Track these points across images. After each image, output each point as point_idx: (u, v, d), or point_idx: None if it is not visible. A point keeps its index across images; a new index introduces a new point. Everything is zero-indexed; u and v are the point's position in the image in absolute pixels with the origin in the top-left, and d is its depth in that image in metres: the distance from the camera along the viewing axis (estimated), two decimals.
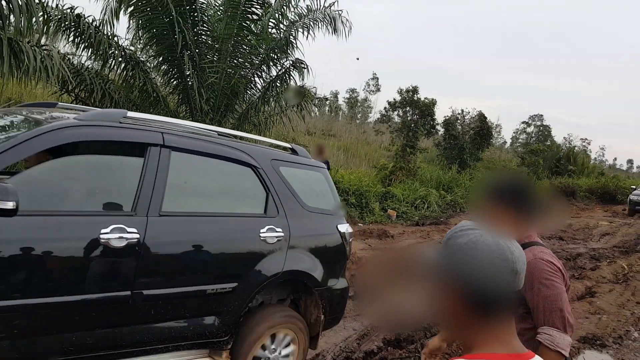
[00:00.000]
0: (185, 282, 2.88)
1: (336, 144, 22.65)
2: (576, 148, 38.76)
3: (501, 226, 1.82)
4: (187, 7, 8.06)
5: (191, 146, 3.03)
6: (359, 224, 10.69)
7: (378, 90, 40.09)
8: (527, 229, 1.93)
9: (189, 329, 2.91)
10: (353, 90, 41.85)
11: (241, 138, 3.87)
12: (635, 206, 19.99)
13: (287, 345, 3.43)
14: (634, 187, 22.97)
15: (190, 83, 8.54)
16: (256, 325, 3.19)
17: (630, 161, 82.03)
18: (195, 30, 8.45)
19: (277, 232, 3.30)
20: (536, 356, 1.01)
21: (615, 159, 77.93)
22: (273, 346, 3.33)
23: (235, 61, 9.21)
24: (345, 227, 3.91)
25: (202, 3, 8.72)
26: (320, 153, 9.08)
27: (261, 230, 3.22)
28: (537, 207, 1.96)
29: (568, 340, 1.74)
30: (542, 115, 35.94)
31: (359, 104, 41.98)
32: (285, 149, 4.04)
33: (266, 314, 3.31)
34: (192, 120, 8.84)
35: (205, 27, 8.75)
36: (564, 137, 40.80)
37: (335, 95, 47.79)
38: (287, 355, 3.44)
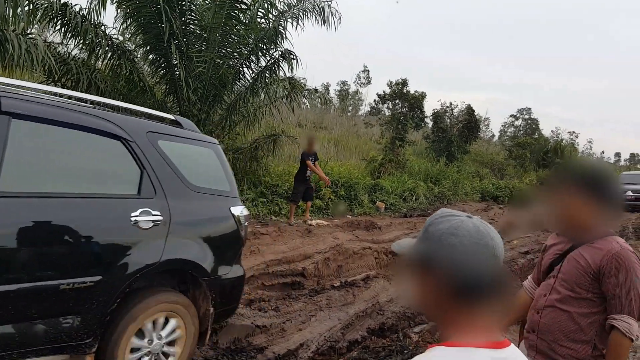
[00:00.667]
0: (30, 277, 2.39)
1: (327, 136, 22.64)
2: (564, 141, 39.11)
3: (581, 217, 1.88)
4: None
5: (41, 113, 2.52)
6: (348, 215, 10.73)
7: (369, 83, 40.18)
8: (608, 221, 1.97)
9: (40, 333, 2.44)
10: (344, 83, 41.92)
11: (105, 105, 3.41)
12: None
13: (172, 331, 3.06)
14: None
15: (177, 73, 8.48)
16: (128, 314, 2.78)
17: (617, 154, 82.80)
18: (183, 19, 8.37)
19: (153, 215, 2.88)
20: (512, 345, 1.03)
21: (603, 152, 78.52)
22: (154, 334, 2.95)
23: (223, 51, 9.16)
24: (239, 210, 3.56)
25: None
26: (310, 144, 9.15)
27: (132, 214, 2.79)
28: (618, 197, 1.97)
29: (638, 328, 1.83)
30: (530, 109, 36.27)
31: (350, 97, 42.01)
32: (167, 120, 3.63)
33: (141, 297, 2.90)
34: (180, 111, 8.84)
35: (193, 15, 8.68)
36: (552, 131, 41.19)
37: (327, 87, 47.72)
38: (171, 343, 3.08)
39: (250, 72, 10.01)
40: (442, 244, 1.01)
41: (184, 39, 8.20)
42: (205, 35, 8.68)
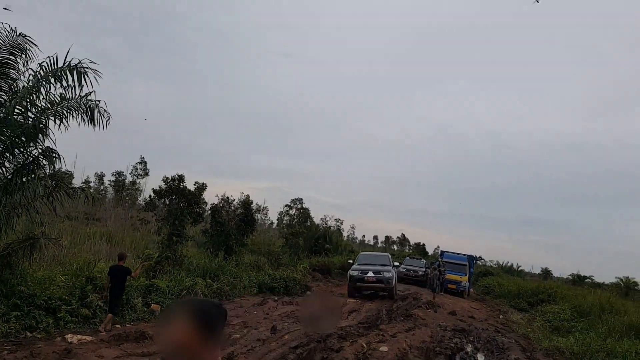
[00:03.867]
0: None
1: (100, 231, 21.03)
2: (331, 228, 43.57)
3: (188, 347, 2.07)
4: None
5: None
6: (117, 325, 9.97)
7: (146, 174, 38.99)
8: (212, 350, 2.20)
9: None
10: (120, 173, 39.87)
11: None
12: (357, 283, 18.89)
13: None
14: (350, 261, 22.63)
15: None
16: None
17: (375, 237, 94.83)
18: None
19: None
20: None
21: (364, 235, 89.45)
22: None
23: None
24: None
25: None
26: (121, 259, 10.29)
27: None
28: (221, 331, 2.24)
29: None
30: (302, 199, 39.71)
31: (126, 187, 40.07)
32: None
33: None
34: None
35: None
36: (321, 218, 45.49)
37: (101, 177, 44.82)
38: None
39: (4, 170, 9.05)
40: None
41: None
42: None
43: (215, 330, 2.00)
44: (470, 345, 12.57)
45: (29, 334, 8.44)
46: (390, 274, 18.95)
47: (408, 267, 31.15)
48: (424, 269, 30.78)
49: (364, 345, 10.17)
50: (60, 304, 9.55)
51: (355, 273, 19.15)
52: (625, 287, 37.86)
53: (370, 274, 18.68)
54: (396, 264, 22.42)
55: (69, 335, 8.02)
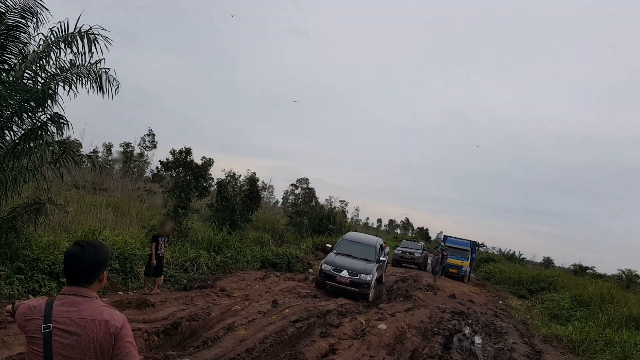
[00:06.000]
0: None
1: (107, 200, 21.14)
2: (336, 209, 43.65)
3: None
4: None
5: None
6: (120, 292, 10.11)
7: (154, 147, 39.03)
8: None
9: None
10: (128, 145, 39.92)
11: None
12: (326, 280, 15.05)
13: None
14: (329, 245, 21.17)
15: None
16: None
17: (379, 220, 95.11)
18: None
19: None
20: None
21: (368, 218, 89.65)
22: None
23: None
24: None
25: None
26: (162, 228, 11.76)
27: None
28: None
29: None
30: (307, 179, 39.81)
31: (134, 159, 40.15)
32: None
33: None
34: None
35: None
36: (326, 199, 45.64)
37: (109, 148, 44.93)
38: None
39: (12, 134, 9.10)
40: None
41: None
42: None
43: None
44: (468, 327, 12.68)
45: (31, 297, 8.57)
46: (369, 277, 14.83)
47: (404, 249, 30.69)
48: (420, 252, 30.38)
49: (363, 322, 10.27)
50: None
51: (327, 268, 15.16)
52: (627, 280, 37.85)
53: (345, 273, 14.79)
54: (386, 251, 19.34)
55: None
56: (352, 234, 19.14)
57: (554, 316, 18.24)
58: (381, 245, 17.87)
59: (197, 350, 7.04)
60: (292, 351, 7.54)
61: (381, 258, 16.86)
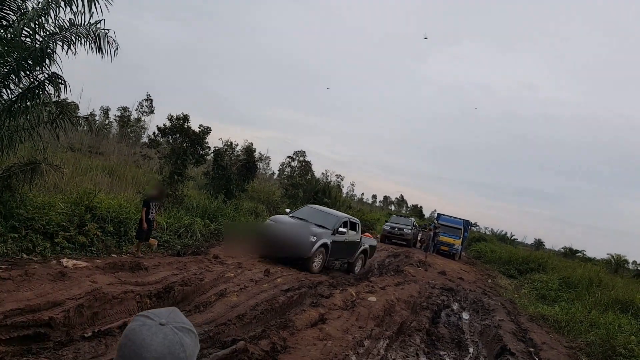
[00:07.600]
0: None
1: (102, 164, 21.09)
2: (332, 183, 43.73)
3: None
4: None
5: None
6: (113, 255, 10.19)
7: (152, 112, 38.74)
8: None
9: None
10: (125, 109, 39.64)
11: None
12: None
13: None
14: (288, 209, 20.29)
15: None
16: None
17: (374, 196, 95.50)
18: None
19: None
20: None
21: (363, 193, 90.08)
22: None
23: None
24: None
25: None
26: (154, 191, 12.04)
27: None
28: None
29: None
30: (304, 152, 39.74)
31: (131, 124, 39.93)
32: None
33: None
34: None
35: None
36: (322, 173, 45.70)
37: (106, 111, 44.63)
38: None
39: (9, 92, 9.01)
40: (121, 341, 1.06)
41: None
42: None
43: None
44: (456, 303, 12.89)
45: (25, 255, 8.62)
46: (313, 239, 12.78)
47: (393, 224, 29.28)
48: (410, 228, 28.89)
49: (353, 294, 10.42)
50: (58, 230, 9.70)
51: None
52: (615, 264, 38.34)
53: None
54: (373, 243, 16.73)
55: (65, 259, 8.20)
56: (320, 206, 16.99)
57: (542, 296, 18.53)
58: (352, 222, 14.93)
59: (189, 315, 7.14)
60: (282, 319, 7.66)
61: (349, 233, 14.27)
